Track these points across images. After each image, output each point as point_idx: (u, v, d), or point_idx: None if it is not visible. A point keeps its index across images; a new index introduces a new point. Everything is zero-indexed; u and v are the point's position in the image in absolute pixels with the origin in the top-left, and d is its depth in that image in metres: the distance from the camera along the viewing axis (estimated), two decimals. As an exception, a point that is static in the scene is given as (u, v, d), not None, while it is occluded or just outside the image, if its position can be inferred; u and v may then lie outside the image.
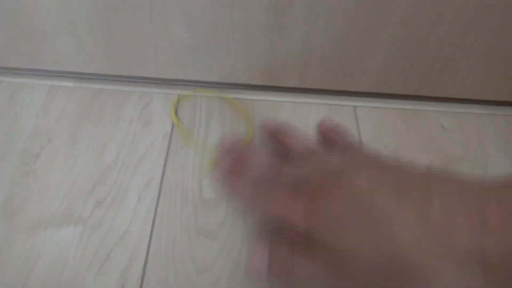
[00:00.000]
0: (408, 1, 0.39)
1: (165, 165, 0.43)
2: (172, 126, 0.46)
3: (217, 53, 0.46)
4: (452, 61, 0.45)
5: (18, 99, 0.48)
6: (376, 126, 0.47)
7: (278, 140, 0.42)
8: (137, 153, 0.44)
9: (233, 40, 0.44)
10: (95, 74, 0.50)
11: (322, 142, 0.41)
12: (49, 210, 0.39)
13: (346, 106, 0.49)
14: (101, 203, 0.40)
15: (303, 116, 0.48)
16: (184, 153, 0.44)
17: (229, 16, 0.41)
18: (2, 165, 0.42)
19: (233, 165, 0.37)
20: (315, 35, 0.43)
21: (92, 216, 0.39)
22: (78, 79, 0.50)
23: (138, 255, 0.37)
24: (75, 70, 0.49)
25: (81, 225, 0.38)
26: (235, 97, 0.49)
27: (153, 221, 0.39)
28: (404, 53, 0.45)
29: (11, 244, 0.37)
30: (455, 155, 0.46)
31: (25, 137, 0.44)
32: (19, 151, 0.43)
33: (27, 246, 0.37)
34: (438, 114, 0.49)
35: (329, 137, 0.42)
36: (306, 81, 0.49)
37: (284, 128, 0.43)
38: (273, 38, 0.44)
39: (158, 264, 0.36)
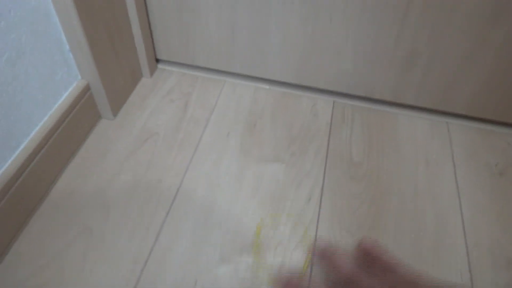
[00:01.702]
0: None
1: (329, 138, 0.72)
2: (332, 117, 0.75)
3: (366, 77, 0.75)
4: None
5: (237, 93, 0.80)
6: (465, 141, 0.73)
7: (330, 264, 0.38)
8: (310, 132, 0.73)
9: (379, 68, 0.73)
10: (282, 82, 0.81)
11: (361, 261, 0.38)
12: (267, 152, 0.69)
13: (441, 122, 0.76)
14: (294, 153, 0.69)
15: (413, 128, 0.75)
16: (339, 132, 0.73)
17: (380, 47, 0.70)
18: (234, 128, 0.73)
19: None
20: (433, 69, 0.71)
21: (290, 159, 0.68)
22: (271, 83, 0.81)
23: (315, 190, 0.65)
24: (271, 78, 0.81)
25: (284, 164, 0.68)
26: (370, 107, 0.78)
27: (325, 168, 0.67)
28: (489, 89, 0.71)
29: (246, 171, 0.67)
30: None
31: (246, 114, 0.76)
32: (243, 122, 0.74)
33: (255, 172, 0.67)
34: (506, 135, 0.74)
35: (370, 256, 0.39)
36: (419, 101, 0.76)
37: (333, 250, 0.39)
38: (404, 69, 0.72)
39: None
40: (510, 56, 0.65)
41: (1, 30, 0.49)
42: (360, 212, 0.63)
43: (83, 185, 0.64)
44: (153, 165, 0.67)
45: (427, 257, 0.59)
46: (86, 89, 0.67)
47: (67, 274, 0.54)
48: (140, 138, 0.71)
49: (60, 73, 0.62)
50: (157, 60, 0.84)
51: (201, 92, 0.79)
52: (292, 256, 0.57)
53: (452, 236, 0.61)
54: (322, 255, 0.39)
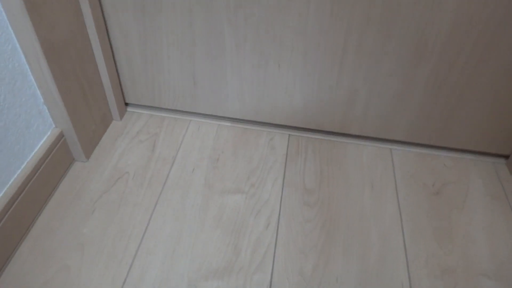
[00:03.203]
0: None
1: (285, 169, 0.80)
2: (287, 149, 0.84)
3: (315, 113, 0.84)
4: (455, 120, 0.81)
5: (201, 131, 0.88)
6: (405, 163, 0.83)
7: None
8: (268, 163, 0.81)
9: (325, 106, 0.82)
10: (243, 119, 0.89)
11: None
12: (229, 184, 0.76)
13: (385, 148, 0.85)
14: (253, 185, 0.77)
15: (360, 155, 0.84)
16: (294, 163, 0.81)
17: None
18: (199, 164, 0.80)
19: None
20: (371, 104, 0.80)
21: (250, 190, 0.76)
22: (233, 121, 0.89)
23: (272, 218, 0.73)
24: (232, 116, 0.89)
25: (244, 194, 0.75)
26: (322, 138, 0.86)
27: (281, 196, 0.75)
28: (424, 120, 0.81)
29: (211, 203, 0.74)
30: (449, 181, 0.80)
31: (209, 150, 0.83)
32: (207, 157, 0.82)
33: (219, 204, 0.74)
34: (442, 158, 0.83)
35: None
36: (363, 131, 0.85)
37: None
38: (347, 105, 0.81)
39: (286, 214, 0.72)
40: (436, 91, 0.75)
41: (-18, 93, 0.56)
42: (313, 235, 0.70)
43: (59, 225, 0.69)
44: (124, 202, 0.73)
45: (372, 270, 0.66)
46: (60, 136, 0.73)
47: (46, 309, 0.59)
48: (112, 178, 0.77)
49: (36, 124, 0.69)
50: (127, 104, 0.91)
51: (168, 132, 0.87)
52: (252, 279, 0.64)
53: (394, 251, 0.69)
54: None
